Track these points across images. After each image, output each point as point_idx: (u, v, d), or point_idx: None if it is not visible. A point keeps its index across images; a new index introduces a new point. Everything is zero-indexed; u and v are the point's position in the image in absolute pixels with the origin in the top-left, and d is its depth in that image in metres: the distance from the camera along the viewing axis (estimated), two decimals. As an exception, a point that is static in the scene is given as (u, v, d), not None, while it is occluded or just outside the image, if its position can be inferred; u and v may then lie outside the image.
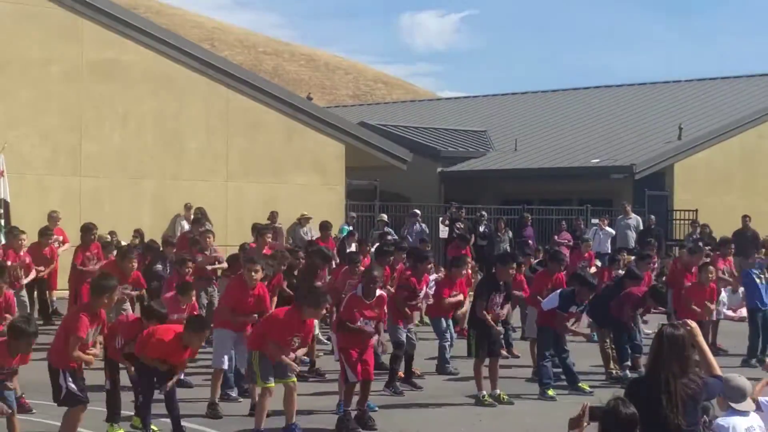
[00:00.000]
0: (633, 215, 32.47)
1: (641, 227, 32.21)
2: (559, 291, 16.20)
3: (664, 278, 19.48)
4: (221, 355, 14.00)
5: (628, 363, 16.73)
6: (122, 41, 28.54)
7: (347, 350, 13.31)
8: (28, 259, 19.32)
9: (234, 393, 14.63)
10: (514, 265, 15.95)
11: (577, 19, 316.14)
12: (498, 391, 14.89)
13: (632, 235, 31.69)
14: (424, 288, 16.87)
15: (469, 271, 19.63)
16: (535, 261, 21.61)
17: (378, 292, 13.64)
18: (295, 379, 12.61)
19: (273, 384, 12.38)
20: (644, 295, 16.91)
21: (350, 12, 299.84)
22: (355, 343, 13.34)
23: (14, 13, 27.01)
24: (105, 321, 11.63)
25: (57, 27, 27.53)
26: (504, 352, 18.16)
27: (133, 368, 12.31)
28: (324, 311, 13.28)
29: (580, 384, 15.80)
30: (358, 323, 13.32)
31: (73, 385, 11.19)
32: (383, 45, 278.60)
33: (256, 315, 13.93)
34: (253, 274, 14.02)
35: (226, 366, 14.03)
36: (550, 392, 15.38)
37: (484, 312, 14.82)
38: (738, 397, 8.04)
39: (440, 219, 32.43)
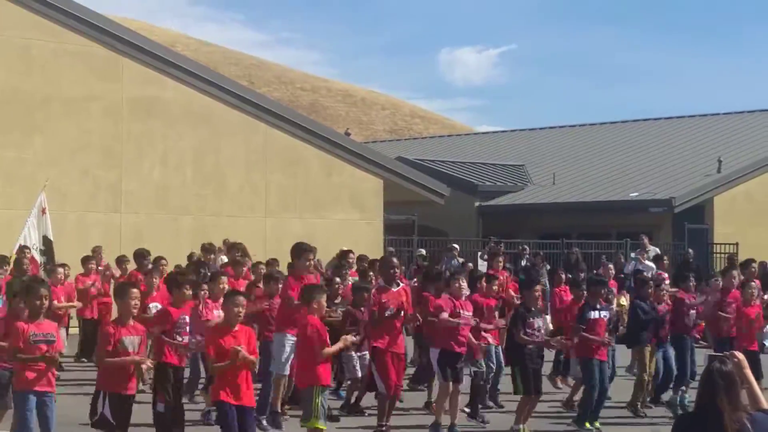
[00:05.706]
0: (651, 247, 32.13)
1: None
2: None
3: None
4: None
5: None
6: (161, 79, 28.76)
7: (384, 361, 13.61)
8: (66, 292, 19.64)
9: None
10: (538, 287, 15.81)
11: (614, 54, 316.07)
12: (522, 426, 14.74)
13: (651, 266, 31.33)
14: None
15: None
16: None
17: (401, 284, 14.29)
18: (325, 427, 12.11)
19: (325, 427, 11.98)
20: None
21: (389, 49, 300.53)
22: (388, 338, 13.70)
23: (55, 51, 27.28)
24: (144, 331, 11.33)
25: (97, 65, 27.78)
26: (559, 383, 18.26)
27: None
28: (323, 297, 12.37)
29: (596, 423, 15.58)
30: (387, 312, 13.80)
31: (108, 412, 10.97)
32: (421, 80, 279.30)
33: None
34: (307, 263, 14.45)
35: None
36: (587, 425, 15.27)
37: (522, 336, 14.72)
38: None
39: (479, 254, 32.34)
